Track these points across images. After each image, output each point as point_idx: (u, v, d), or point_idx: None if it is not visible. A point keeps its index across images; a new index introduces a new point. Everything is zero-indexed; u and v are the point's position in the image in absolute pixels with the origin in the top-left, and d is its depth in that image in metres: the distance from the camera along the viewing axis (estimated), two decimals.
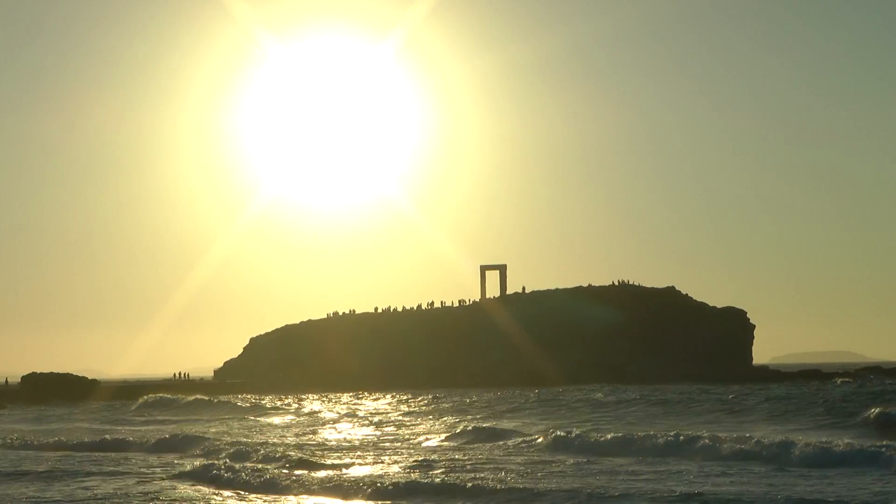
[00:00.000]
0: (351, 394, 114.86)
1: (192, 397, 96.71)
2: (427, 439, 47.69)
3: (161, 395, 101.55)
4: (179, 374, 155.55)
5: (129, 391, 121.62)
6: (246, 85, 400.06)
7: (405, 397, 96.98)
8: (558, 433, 43.01)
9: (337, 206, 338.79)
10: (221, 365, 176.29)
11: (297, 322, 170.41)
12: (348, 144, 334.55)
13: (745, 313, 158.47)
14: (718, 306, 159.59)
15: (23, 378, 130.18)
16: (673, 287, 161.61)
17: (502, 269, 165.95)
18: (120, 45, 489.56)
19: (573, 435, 42.24)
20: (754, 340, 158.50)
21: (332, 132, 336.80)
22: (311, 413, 74.73)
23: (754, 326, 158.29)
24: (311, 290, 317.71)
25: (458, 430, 50.04)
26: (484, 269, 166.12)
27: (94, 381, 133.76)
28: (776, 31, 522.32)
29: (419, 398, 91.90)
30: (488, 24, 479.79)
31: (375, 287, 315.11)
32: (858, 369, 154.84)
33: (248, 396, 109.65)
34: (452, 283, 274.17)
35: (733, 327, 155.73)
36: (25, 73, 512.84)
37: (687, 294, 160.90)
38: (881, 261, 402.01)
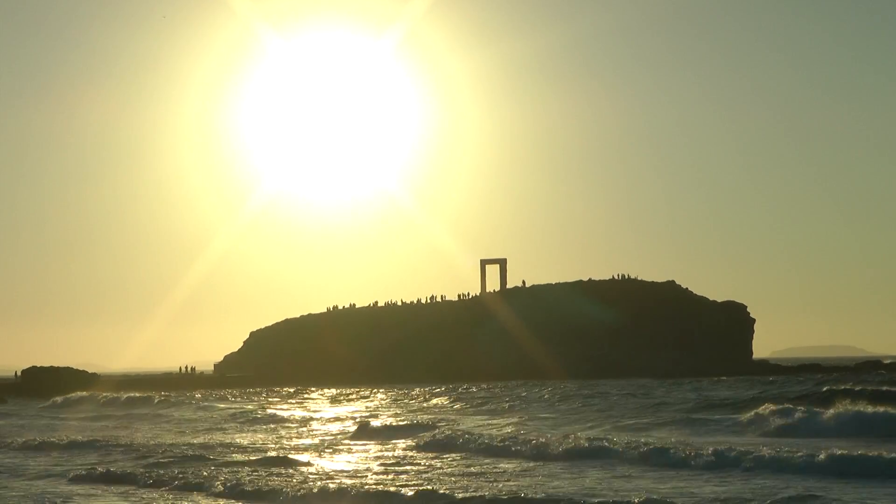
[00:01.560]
0: (336, 389, 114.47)
1: (110, 394, 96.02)
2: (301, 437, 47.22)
3: (80, 392, 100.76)
4: (185, 367, 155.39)
5: (129, 385, 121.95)
6: (246, 80, 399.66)
7: (370, 393, 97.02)
8: (428, 435, 43.10)
9: (337, 201, 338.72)
10: (221, 359, 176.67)
11: (297, 316, 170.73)
12: (348, 139, 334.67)
13: (746, 307, 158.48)
14: (719, 300, 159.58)
15: (22, 372, 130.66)
16: (673, 281, 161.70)
17: (502, 263, 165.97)
18: (120, 39, 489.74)
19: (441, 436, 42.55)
20: (755, 335, 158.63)
21: (332, 127, 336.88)
22: (237, 412, 72.59)
23: (754, 321, 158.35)
24: (310, 284, 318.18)
25: (333, 432, 49.82)
26: (484, 263, 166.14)
27: (94, 374, 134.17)
28: (777, 27, 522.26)
29: (380, 392, 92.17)
30: (488, 19, 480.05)
31: (375, 281, 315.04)
32: (858, 364, 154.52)
33: (202, 392, 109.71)
34: (452, 278, 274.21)
35: (733, 321, 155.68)
36: (24, 69, 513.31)
37: (687, 288, 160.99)
38: (882, 255, 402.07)
